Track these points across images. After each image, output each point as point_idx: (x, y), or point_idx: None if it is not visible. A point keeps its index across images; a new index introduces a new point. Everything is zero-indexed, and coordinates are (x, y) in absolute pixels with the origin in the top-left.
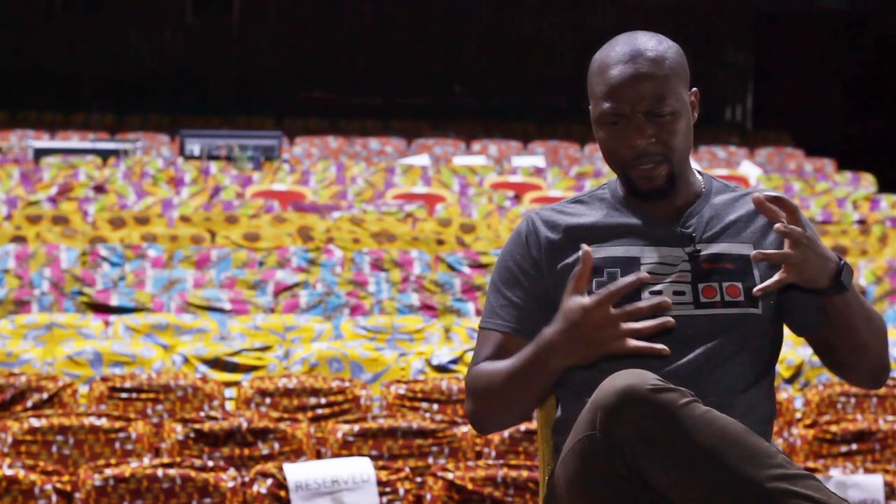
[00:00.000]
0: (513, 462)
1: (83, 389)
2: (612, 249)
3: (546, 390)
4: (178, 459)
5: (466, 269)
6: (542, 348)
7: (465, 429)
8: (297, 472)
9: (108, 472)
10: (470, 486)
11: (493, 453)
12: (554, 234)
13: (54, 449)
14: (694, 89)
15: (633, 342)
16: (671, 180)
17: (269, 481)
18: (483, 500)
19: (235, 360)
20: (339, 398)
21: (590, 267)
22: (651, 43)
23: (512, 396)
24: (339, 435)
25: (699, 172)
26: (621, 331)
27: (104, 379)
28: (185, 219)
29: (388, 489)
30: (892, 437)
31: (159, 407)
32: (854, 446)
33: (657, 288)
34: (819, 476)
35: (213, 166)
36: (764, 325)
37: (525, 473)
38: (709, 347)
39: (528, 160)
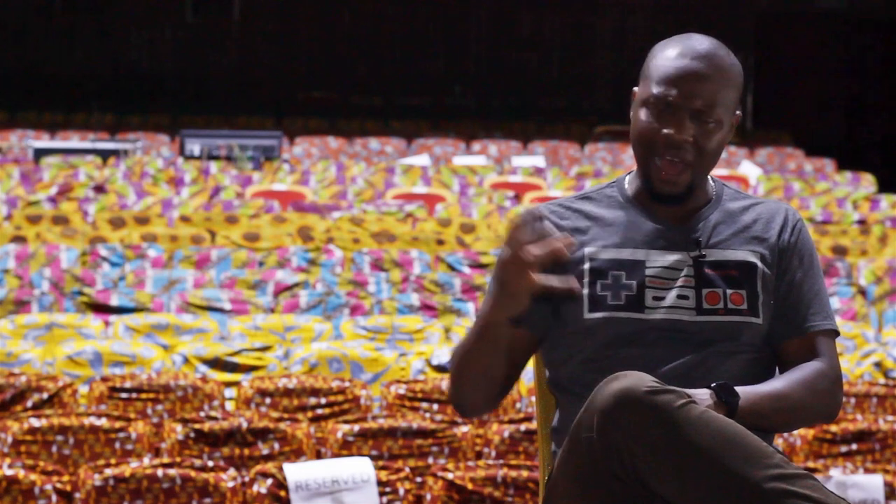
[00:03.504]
0: (513, 462)
1: (83, 389)
2: (618, 252)
3: (498, 357)
4: (178, 459)
5: (466, 269)
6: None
7: (465, 429)
8: (297, 472)
9: (108, 472)
10: (470, 486)
11: (493, 453)
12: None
13: (54, 449)
14: (738, 112)
15: (542, 281)
16: (690, 190)
17: (269, 481)
18: (483, 500)
19: (235, 360)
20: (339, 398)
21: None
22: (724, 52)
23: (469, 366)
24: (339, 435)
25: (711, 178)
26: (530, 274)
27: (104, 379)
28: (185, 219)
29: (388, 489)
30: (892, 437)
31: (159, 407)
32: (854, 446)
33: (661, 293)
34: (819, 476)
35: (213, 166)
36: (764, 336)
37: (525, 473)
38: (706, 352)
39: (528, 160)
